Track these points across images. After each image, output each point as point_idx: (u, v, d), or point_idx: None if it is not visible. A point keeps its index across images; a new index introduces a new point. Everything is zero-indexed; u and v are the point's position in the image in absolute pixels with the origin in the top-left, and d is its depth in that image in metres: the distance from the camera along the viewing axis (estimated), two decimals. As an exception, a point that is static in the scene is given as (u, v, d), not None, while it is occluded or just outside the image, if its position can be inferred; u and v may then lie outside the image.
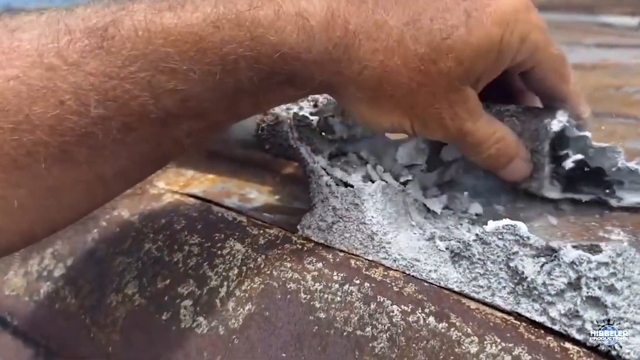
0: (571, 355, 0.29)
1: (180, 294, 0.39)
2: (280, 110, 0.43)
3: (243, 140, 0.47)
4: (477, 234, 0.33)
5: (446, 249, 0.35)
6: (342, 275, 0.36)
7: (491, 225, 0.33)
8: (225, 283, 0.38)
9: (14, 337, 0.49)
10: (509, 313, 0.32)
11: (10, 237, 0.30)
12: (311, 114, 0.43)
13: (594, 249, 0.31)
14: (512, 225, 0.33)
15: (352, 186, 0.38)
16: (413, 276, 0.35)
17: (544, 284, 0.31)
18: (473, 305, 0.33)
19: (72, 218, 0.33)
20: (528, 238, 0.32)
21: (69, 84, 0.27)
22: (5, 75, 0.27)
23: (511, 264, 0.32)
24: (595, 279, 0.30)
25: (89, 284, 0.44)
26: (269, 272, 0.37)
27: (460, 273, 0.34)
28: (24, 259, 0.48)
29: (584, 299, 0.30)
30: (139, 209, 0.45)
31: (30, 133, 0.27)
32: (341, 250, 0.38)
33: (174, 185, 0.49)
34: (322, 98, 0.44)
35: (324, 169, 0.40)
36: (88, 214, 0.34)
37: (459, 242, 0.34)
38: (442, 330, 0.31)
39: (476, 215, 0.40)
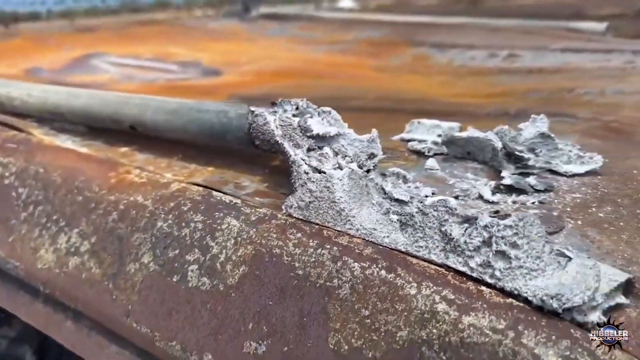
0: (484, 295, 0.39)
1: (187, 261, 0.49)
2: (268, 113, 0.53)
3: (237, 138, 0.56)
4: (418, 207, 0.44)
5: (397, 220, 0.45)
6: (316, 242, 0.46)
7: (429, 200, 0.43)
8: (224, 251, 0.48)
9: (44, 305, 0.59)
10: (440, 265, 0.42)
11: None
12: (293, 115, 0.53)
13: (504, 217, 0.41)
14: (444, 200, 0.43)
15: (325, 173, 0.48)
16: (371, 241, 0.45)
17: (465, 242, 0.41)
18: (414, 261, 0.43)
19: None
20: (455, 209, 0.42)
21: None
22: None
23: (443, 229, 0.42)
24: (502, 237, 0.40)
25: (110, 256, 0.53)
26: (258, 241, 0.47)
27: (406, 237, 0.44)
28: (53, 237, 0.58)
29: (494, 252, 0.40)
30: (152, 195, 0.55)
31: None
32: (316, 224, 0.48)
33: (180, 176, 0.59)
34: (301, 102, 0.54)
35: (303, 160, 0.50)
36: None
37: (406, 214, 0.44)
38: (390, 279, 0.41)
39: (425, 196, 0.50)
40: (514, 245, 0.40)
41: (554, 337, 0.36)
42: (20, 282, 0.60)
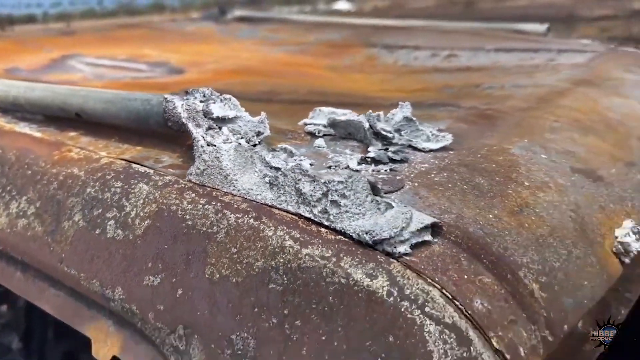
0: (322, 234, 0.51)
1: (107, 217, 0.61)
2: (177, 99, 0.65)
3: (157, 121, 0.69)
4: (281, 170, 0.56)
5: (268, 182, 0.57)
6: (204, 200, 0.58)
7: (289, 164, 0.56)
8: (135, 209, 0.60)
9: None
10: (294, 214, 0.54)
11: None
12: (200, 101, 0.65)
13: (340, 174, 0.53)
14: (299, 164, 0.55)
15: (215, 146, 0.60)
16: (247, 199, 0.57)
17: (311, 195, 0.53)
18: (276, 212, 0.55)
19: None
20: (307, 171, 0.54)
21: None
22: None
23: (297, 186, 0.54)
24: (336, 190, 0.52)
25: (50, 217, 0.65)
26: (161, 200, 0.59)
27: (272, 194, 0.56)
28: (6, 204, 0.70)
29: (330, 202, 0.52)
30: (85, 168, 0.67)
31: None
32: (208, 186, 0.60)
33: (112, 154, 0.71)
34: (207, 90, 0.66)
35: (202, 136, 0.62)
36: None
37: (273, 176, 0.56)
38: (255, 225, 0.54)
39: (303, 166, 0.62)
40: (344, 196, 0.52)
41: (363, 261, 0.48)
42: (-20, 243, 0.72)
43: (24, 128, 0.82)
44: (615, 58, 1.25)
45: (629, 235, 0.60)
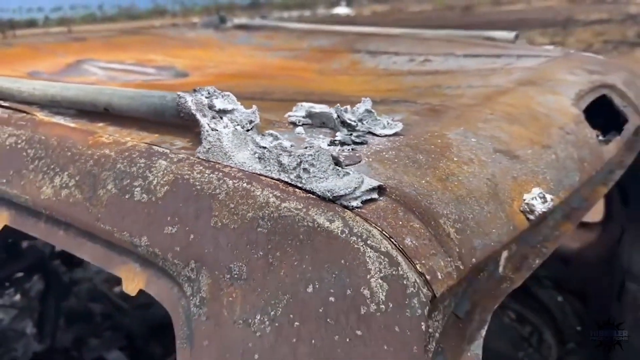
0: (297, 193, 0.70)
1: (134, 185, 0.79)
2: (188, 95, 0.84)
3: (171, 114, 0.87)
4: (266, 148, 0.74)
5: (257, 157, 0.76)
6: (210, 171, 0.76)
7: (273, 143, 0.74)
8: (156, 178, 0.79)
9: (45, 223, 0.89)
10: (277, 179, 0.73)
11: None
12: (205, 97, 0.84)
13: (309, 150, 0.72)
14: (281, 142, 0.74)
15: (217, 130, 0.79)
16: (242, 170, 0.76)
17: (288, 165, 0.72)
18: (263, 178, 0.73)
19: None
20: (286, 148, 0.73)
21: None
22: None
23: (279, 159, 0.73)
24: (307, 161, 0.71)
25: (87, 187, 0.84)
26: (177, 172, 0.78)
27: (261, 166, 0.75)
28: (51, 179, 0.88)
29: (302, 169, 0.71)
30: (115, 149, 0.86)
31: None
32: (212, 161, 0.78)
33: (135, 139, 0.90)
34: (211, 89, 0.85)
35: (207, 124, 0.80)
36: None
37: (262, 153, 0.75)
38: (248, 187, 0.72)
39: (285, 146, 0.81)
40: (312, 165, 0.70)
41: (325, 211, 0.67)
42: (29, 210, 0.90)
43: (60, 120, 1.01)
44: (564, 62, 1.44)
45: (536, 199, 0.78)
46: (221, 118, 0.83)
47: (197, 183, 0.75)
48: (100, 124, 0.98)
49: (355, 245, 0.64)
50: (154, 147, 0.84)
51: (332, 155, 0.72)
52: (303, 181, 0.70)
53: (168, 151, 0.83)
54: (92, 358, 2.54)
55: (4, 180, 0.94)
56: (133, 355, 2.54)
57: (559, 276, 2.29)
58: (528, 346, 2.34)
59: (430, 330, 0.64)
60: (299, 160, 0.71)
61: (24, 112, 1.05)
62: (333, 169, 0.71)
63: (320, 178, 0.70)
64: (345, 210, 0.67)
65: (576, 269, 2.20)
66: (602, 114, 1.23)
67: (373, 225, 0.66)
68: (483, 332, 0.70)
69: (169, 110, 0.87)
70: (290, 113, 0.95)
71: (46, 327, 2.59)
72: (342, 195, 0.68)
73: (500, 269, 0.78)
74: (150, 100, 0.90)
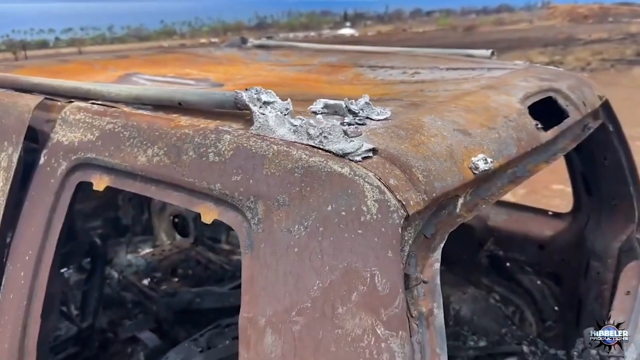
0: (320, 152, 1.07)
1: (208, 151, 1.17)
2: (243, 92, 1.22)
3: (231, 105, 1.25)
4: (298, 125, 1.12)
5: (293, 132, 1.14)
6: (261, 140, 1.14)
7: (303, 121, 1.12)
8: (224, 146, 1.16)
9: (140, 183, 1.27)
10: (306, 144, 1.10)
11: None
12: (254, 93, 1.22)
13: (327, 125, 1.10)
14: (309, 121, 1.12)
15: (265, 114, 1.17)
16: (282, 139, 1.13)
17: (314, 134, 1.09)
18: (297, 144, 1.11)
19: None
20: (313, 124, 1.11)
21: None
22: None
23: (307, 131, 1.11)
24: (326, 131, 1.08)
25: (174, 155, 1.22)
26: (238, 141, 1.16)
27: (295, 136, 1.13)
28: (144, 150, 1.26)
29: (323, 137, 1.08)
30: (192, 129, 1.24)
31: None
32: (262, 135, 1.16)
33: (203, 123, 1.28)
34: (258, 87, 1.23)
35: (258, 110, 1.18)
36: None
37: (295, 127, 1.13)
38: (287, 149, 1.09)
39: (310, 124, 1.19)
40: (329, 134, 1.08)
41: (338, 162, 1.05)
42: (127, 173, 1.28)
43: (144, 112, 1.39)
44: (523, 72, 1.82)
45: (480, 161, 1.16)
46: (266, 107, 1.21)
47: (253, 148, 1.13)
48: (175, 115, 1.36)
49: (358, 181, 1.01)
50: (219, 127, 1.23)
51: (343, 129, 1.10)
52: (323, 144, 1.08)
53: (230, 129, 1.21)
54: (126, 337, 2.88)
55: (107, 154, 1.33)
56: (161, 336, 2.89)
57: (537, 261, 2.63)
58: (511, 324, 2.69)
59: (405, 237, 1.01)
60: (320, 131, 1.09)
61: (115, 107, 1.44)
62: (343, 137, 1.09)
63: (335, 142, 1.08)
64: (351, 162, 1.05)
65: (551, 255, 2.55)
66: (551, 111, 1.61)
67: (369, 170, 1.03)
68: (441, 245, 1.07)
69: (229, 103, 1.25)
70: (311, 106, 1.33)
71: (88, 309, 2.93)
72: (349, 153, 1.06)
73: (458, 209, 1.15)
74: (215, 97, 1.28)
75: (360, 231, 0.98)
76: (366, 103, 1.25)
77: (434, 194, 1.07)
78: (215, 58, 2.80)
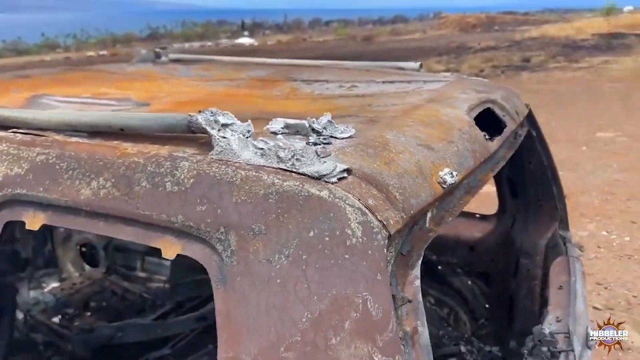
0: (294, 175, 1.05)
1: (165, 180, 1.10)
2: (198, 115, 1.16)
3: (182, 130, 1.19)
4: (264, 149, 1.09)
5: (260, 155, 1.10)
6: (225, 165, 1.09)
7: (270, 144, 1.09)
8: (183, 174, 1.10)
9: (84, 217, 1.17)
10: (277, 168, 1.07)
11: None
12: (210, 115, 1.17)
13: (299, 146, 1.07)
14: (277, 143, 1.09)
15: (226, 137, 1.12)
16: (249, 164, 1.09)
17: (285, 157, 1.07)
18: (267, 167, 1.07)
19: None
20: (282, 146, 1.08)
21: None
22: None
23: (277, 154, 1.08)
24: (299, 154, 1.06)
25: (123, 186, 1.13)
26: (199, 168, 1.10)
27: (263, 160, 1.09)
28: (88, 183, 1.16)
29: (296, 159, 1.06)
30: (142, 157, 1.16)
31: None
32: (224, 160, 1.11)
33: (153, 150, 1.20)
34: (213, 109, 1.18)
35: (217, 134, 1.14)
36: None
37: (262, 150, 1.10)
38: (256, 174, 1.06)
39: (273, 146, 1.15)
40: (302, 156, 1.06)
41: (315, 184, 1.02)
42: (68, 208, 1.18)
43: (81, 139, 1.29)
44: (458, 84, 1.91)
45: (447, 175, 1.19)
46: (225, 129, 1.16)
47: (217, 175, 1.08)
48: (116, 142, 1.27)
49: (339, 204, 1.00)
50: (173, 153, 1.16)
51: (314, 150, 1.08)
52: (296, 167, 1.06)
53: (186, 155, 1.15)
54: (39, 386, 2.65)
55: (41, 189, 1.21)
56: (79, 378, 2.68)
57: (467, 262, 2.77)
58: (447, 325, 2.79)
59: (388, 257, 1.01)
60: (292, 153, 1.07)
61: (44, 135, 1.31)
62: (316, 159, 1.07)
63: (309, 164, 1.06)
64: (328, 184, 1.03)
65: (480, 255, 2.69)
66: (490, 121, 1.70)
67: (347, 191, 1.02)
68: (419, 262, 1.08)
69: (180, 127, 1.19)
70: (269, 126, 1.30)
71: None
72: (325, 175, 1.04)
73: (427, 224, 1.17)
74: (164, 121, 1.21)
75: (347, 256, 0.96)
76: (329, 121, 1.24)
77: (412, 211, 1.08)
78: (129, 74, 2.67)
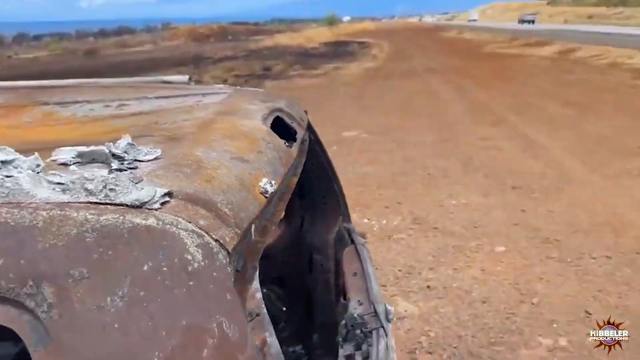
0: (110, 207, 0.97)
1: None
2: None
3: None
4: (64, 183, 0.99)
5: (61, 190, 0.99)
6: (18, 209, 0.96)
7: (74, 177, 1.00)
8: None
9: None
10: (87, 202, 0.98)
11: None
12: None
13: (110, 174, 1.00)
14: (82, 174, 1.00)
15: (13, 176, 0.98)
16: (49, 202, 0.97)
17: (95, 189, 0.98)
18: (73, 204, 0.97)
19: None
20: (89, 177, 1.00)
21: None
22: None
23: (85, 187, 0.99)
24: (112, 183, 0.99)
25: None
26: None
27: (66, 196, 0.99)
28: None
29: (109, 190, 0.98)
30: None
31: None
32: (14, 202, 0.97)
33: None
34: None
35: (-2, 172, 0.99)
36: None
37: (63, 185, 0.99)
38: (62, 213, 0.95)
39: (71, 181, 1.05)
40: (117, 185, 0.99)
41: (138, 214, 0.97)
42: None
43: None
44: (240, 96, 1.98)
45: (266, 184, 1.24)
46: (8, 167, 1.02)
47: (10, 221, 0.94)
48: None
49: (171, 230, 0.96)
50: None
51: (129, 177, 1.02)
52: (112, 198, 0.99)
53: None
54: None
55: None
56: None
57: (260, 271, 2.87)
58: None
59: (230, 276, 1.01)
60: (104, 184, 0.99)
61: None
62: (132, 185, 1.01)
63: (126, 193, 0.99)
64: (152, 210, 0.99)
65: (272, 261, 2.82)
66: (280, 129, 1.80)
67: (174, 215, 0.99)
68: (256, 274, 1.11)
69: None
70: (56, 157, 1.18)
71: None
72: (146, 202, 0.99)
73: (253, 236, 1.20)
74: None
75: (191, 282, 0.94)
76: (129, 144, 1.18)
77: (244, 225, 1.10)
78: None
